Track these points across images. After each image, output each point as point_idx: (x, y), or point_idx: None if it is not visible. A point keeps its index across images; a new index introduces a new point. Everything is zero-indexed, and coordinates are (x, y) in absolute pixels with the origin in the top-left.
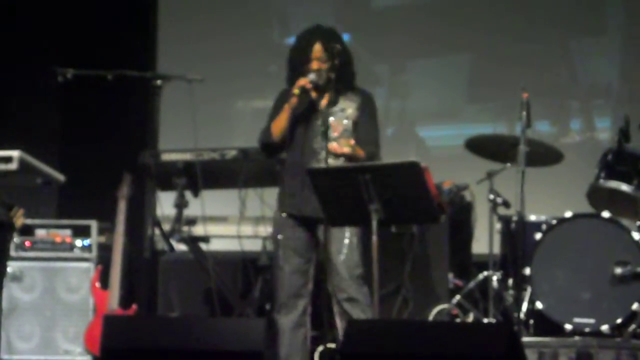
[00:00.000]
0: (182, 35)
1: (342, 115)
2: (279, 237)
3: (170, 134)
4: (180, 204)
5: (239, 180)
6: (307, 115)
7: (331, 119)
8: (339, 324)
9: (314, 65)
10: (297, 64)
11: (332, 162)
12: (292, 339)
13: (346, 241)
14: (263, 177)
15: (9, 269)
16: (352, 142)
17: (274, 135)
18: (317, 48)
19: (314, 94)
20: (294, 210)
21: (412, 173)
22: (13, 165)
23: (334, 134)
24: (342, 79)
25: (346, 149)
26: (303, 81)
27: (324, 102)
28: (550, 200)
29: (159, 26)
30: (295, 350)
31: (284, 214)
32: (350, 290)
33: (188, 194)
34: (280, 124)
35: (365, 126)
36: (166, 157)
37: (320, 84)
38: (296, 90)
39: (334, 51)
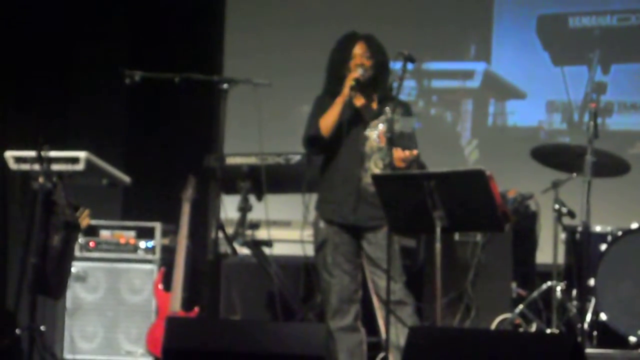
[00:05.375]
0: (249, 39)
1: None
2: (325, 242)
3: (236, 138)
4: (244, 208)
5: (303, 185)
6: (352, 123)
7: (380, 126)
8: (384, 328)
9: (357, 60)
10: (339, 63)
11: (377, 170)
12: (348, 344)
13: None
14: None
15: (73, 269)
16: (415, 152)
17: (323, 130)
18: (361, 45)
19: (358, 102)
20: (339, 218)
21: (478, 181)
22: (80, 166)
23: (379, 144)
24: (382, 87)
25: (407, 154)
26: (356, 73)
27: (374, 104)
28: (616, 211)
29: (226, 30)
30: (353, 355)
31: (327, 222)
32: (400, 293)
33: (252, 198)
34: (331, 118)
35: (412, 138)
36: (231, 160)
37: (367, 77)
38: (352, 82)
39: (376, 50)
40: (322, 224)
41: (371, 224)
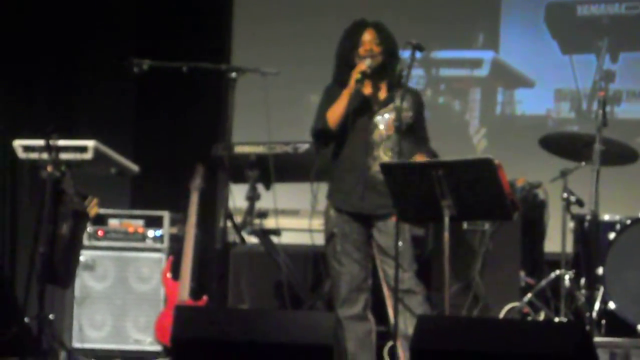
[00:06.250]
0: (258, 28)
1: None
2: (335, 231)
3: (244, 127)
4: (253, 197)
5: (311, 174)
6: (360, 111)
7: (386, 115)
8: (393, 317)
9: (367, 46)
10: (347, 50)
11: (386, 158)
12: (357, 332)
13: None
14: None
15: (81, 258)
16: (422, 157)
17: (330, 123)
18: (370, 32)
19: (367, 91)
20: (349, 207)
21: (486, 170)
22: (88, 155)
23: (388, 132)
24: (391, 74)
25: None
26: (362, 66)
27: (382, 92)
28: (624, 199)
29: (235, 19)
30: (362, 344)
31: (338, 211)
32: (410, 282)
33: (260, 187)
34: (338, 111)
35: (422, 126)
36: (239, 149)
37: (374, 66)
38: (358, 75)
39: (385, 37)
40: (332, 213)
41: (381, 212)
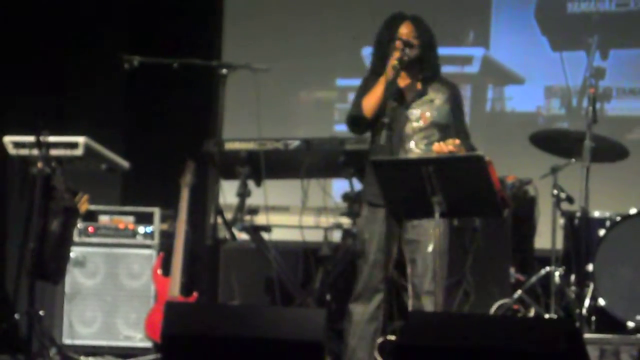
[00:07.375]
0: (248, 25)
1: (431, 106)
2: (364, 230)
3: (234, 123)
4: (243, 193)
5: (301, 171)
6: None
7: (420, 108)
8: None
9: (404, 37)
10: (384, 43)
11: (418, 151)
12: (364, 330)
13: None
14: (325, 167)
15: (72, 254)
16: (457, 141)
17: (366, 110)
18: (407, 25)
19: (402, 83)
20: (380, 200)
21: (476, 166)
22: (79, 151)
23: (422, 124)
24: (428, 67)
25: (451, 148)
26: (398, 54)
27: (418, 85)
28: (614, 196)
29: (225, 15)
30: (364, 342)
31: (368, 205)
32: (433, 284)
33: (251, 183)
34: (373, 98)
35: (460, 119)
36: (230, 146)
37: (412, 57)
38: (395, 62)
39: (423, 30)
40: (365, 212)
41: None
